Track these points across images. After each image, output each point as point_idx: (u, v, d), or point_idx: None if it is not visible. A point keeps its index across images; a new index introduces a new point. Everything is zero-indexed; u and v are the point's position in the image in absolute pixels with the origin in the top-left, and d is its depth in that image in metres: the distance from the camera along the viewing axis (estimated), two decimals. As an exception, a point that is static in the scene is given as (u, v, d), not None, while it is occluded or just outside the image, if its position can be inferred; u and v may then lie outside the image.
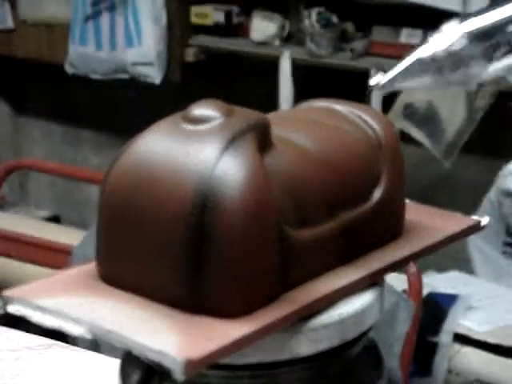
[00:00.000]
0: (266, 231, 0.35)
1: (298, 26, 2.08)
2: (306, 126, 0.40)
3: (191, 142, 0.35)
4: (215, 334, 0.33)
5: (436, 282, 1.73)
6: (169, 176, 0.35)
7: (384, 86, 0.34)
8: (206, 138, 0.35)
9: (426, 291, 1.58)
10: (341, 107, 0.41)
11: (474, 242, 1.93)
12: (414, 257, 0.41)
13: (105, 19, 2.22)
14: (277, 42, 2.09)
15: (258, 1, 2.13)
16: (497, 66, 0.32)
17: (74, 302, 0.34)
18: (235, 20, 2.14)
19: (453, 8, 1.89)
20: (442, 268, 1.85)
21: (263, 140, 0.36)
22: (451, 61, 0.32)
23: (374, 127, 0.40)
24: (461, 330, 1.61)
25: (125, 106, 2.40)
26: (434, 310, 1.65)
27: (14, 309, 0.35)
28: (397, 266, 0.39)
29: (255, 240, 0.34)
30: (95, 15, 2.22)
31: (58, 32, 2.32)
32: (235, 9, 2.14)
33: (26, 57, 2.43)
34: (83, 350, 0.64)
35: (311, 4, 2.04)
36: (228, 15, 2.13)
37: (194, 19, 2.16)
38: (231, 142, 0.35)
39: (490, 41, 0.32)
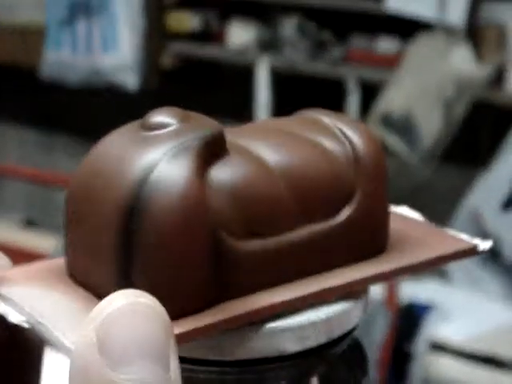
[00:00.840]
0: (195, 240, 0.35)
1: (275, 33, 2.08)
2: (277, 138, 0.40)
3: (141, 147, 0.36)
4: None
5: (413, 291, 1.74)
6: (112, 178, 0.36)
7: None
8: (155, 143, 0.36)
9: (402, 301, 1.59)
10: (327, 119, 0.41)
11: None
12: (389, 275, 0.40)
13: (81, 24, 2.20)
14: (254, 50, 2.09)
15: (236, 8, 2.13)
16: None
17: (27, 292, 0.35)
18: (213, 27, 2.13)
19: (429, 17, 1.90)
20: (418, 277, 1.85)
21: (214, 149, 0.36)
22: None
23: (353, 142, 0.40)
24: (438, 339, 1.61)
25: (100, 113, 2.39)
26: (410, 318, 1.66)
27: None
28: (366, 283, 0.39)
29: (180, 248, 0.34)
30: (71, 20, 2.21)
31: (32, 37, 2.30)
32: (213, 15, 2.14)
33: (0, 63, 2.41)
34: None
35: (289, 12, 2.04)
36: (205, 22, 2.12)
37: (171, 25, 2.16)
38: (176, 149, 0.36)
39: None
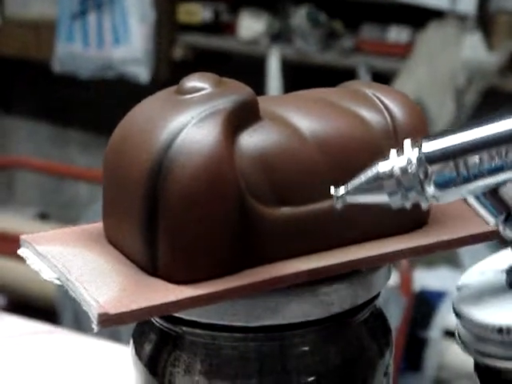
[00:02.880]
0: (220, 203, 0.35)
1: (286, 23, 2.08)
2: (315, 107, 0.40)
3: (171, 110, 0.37)
4: (152, 295, 0.34)
5: (426, 279, 1.74)
6: (141, 140, 0.36)
7: (343, 199, 0.33)
8: (186, 106, 0.37)
9: (416, 287, 1.59)
10: (367, 90, 0.40)
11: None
12: (421, 250, 0.39)
13: (92, 17, 2.21)
14: (265, 40, 2.09)
15: (246, -2, 2.13)
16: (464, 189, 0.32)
17: (62, 251, 0.37)
18: (223, 18, 2.14)
19: (440, 5, 1.90)
20: (431, 265, 1.85)
21: (246, 114, 0.37)
22: (407, 179, 0.32)
23: (393, 111, 0.39)
24: (451, 326, 1.62)
25: (112, 105, 2.39)
26: (424, 305, 1.66)
27: (21, 251, 0.38)
28: (397, 258, 0.39)
29: (204, 210, 0.35)
30: (82, 13, 2.21)
31: (44, 31, 2.31)
32: (223, 7, 2.14)
33: (12, 56, 2.42)
34: (85, 336, 0.64)
35: (299, 2, 2.04)
36: (216, 13, 2.13)
37: (181, 17, 2.16)
38: (206, 112, 0.36)
39: (447, 163, 0.32)
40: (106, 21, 2.19)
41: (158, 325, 0.38)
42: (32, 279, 1.76)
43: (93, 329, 0.33)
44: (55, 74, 2.32)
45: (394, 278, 1.49)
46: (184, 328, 0.37)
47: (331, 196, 0.37)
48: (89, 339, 0.63)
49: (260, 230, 0.36)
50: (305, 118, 0.38)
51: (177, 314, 0.36)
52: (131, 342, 0.40)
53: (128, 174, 0.36)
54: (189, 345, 0.37)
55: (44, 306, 1.75)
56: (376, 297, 0.39)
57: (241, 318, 0.36)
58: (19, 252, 0.39)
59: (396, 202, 0.34)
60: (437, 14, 1.92)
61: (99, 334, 0.71)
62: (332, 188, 0.35)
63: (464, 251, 1.94)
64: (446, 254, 1.96)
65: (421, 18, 1.94)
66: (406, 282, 1.45)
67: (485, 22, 1.90)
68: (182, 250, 0.35)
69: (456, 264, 1.89)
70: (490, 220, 0.34)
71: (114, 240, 0.38)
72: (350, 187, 0.34)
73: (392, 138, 0.39)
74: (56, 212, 2.52)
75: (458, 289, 0.36)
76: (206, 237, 0.35)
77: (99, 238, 0.39)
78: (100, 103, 2.44)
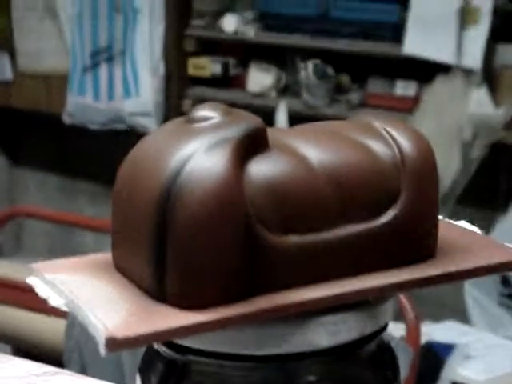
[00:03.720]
0: (228, 231, 0.35)
1: (294, 77, 2.10)
2: (324, 139, 0.40)
3: (180, 139, 0.37)
4: (160, 320, 0.34)
5: (433, 332, 1.73)
6: (152, 167, 0.37)
7: None
8: (195, 135, 0.37)
9: (423, 340, 1.58)
10: (376, 122, 0.41)
11: (470, 292, 1.93)
12: (429, 281, 0.39)
13: (103, 70, 2.24)
14: (273, 94, 2.11)
15: (255, 53, 2.15)
16: None
17: (70, 279, 0.37)
18: (232, 72, 2.16)
19: (447, 60, 1.92)
20: (438, 318, 1.84)
21: (254, 143, 0.37)
22: None
23: (401, 144, 0.40)
24: (459, 379, 1.60)
25: (121, 157, 2.40)
26: (432, 359, 1.65)
27: (29, 280, 0.38)
28: (405, 288, 0.39)
29: (211, 237, 0.35)
30: (94, 66, 2.24)
31: (55, 83, 2.34)
32: (232, 61, 2.17)
33: (23, 108, 2.45)
34: (89, 377, 0.64)
35: (307, 56, 2.07)
36: (225, 67, 2.15)
37: (191, 71, 2.19)
38: (215, 140, 0.36)
39: None
40: (117, 73, 2.22)
41: (164, 355, 0.38)
42: (43, 327, 1.76)
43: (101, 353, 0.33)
44: (65, 126, 2.34)
45: (401, 330, 1.48)
46: (191, 357, 0.37)
47: (339, 225, 0.37)
48: (93, 381, 0.63)
49: (268, 258, 0.36)
50: (313, 148, 0.38)
51: (184, 343, 0.37)
52: (137, 376, 0.40)
53: (137, 202, 0.37)
54: (196, 374, 0.38)
55: (51, 357, 1.74)
56: (383, 329, 0.39)
57: (248, 345, 0.36)
58: (28, 280, 0.39)
59: None
60: (443, 69, 1.94)
61: (104, 376, 0.71)
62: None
63: (472, 305, 1.93)
64: (453, 308, 1.95)
65: (427, 73, 1.96)
66: (412, 333, 1.45)
67: (490, 76, 1.92)
68: (190, 277, 0.35)
69: (463, 317, 1.88)
70: None
71: (122, 268, 0.38)
72: None
73: (400, 170, 0.39)
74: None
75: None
76: (214, 263, 0.35)
77: (108, 267, 0.39)
78: (109, 154, 2.45)
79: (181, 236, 0.35)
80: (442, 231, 0.42)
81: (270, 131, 0.39)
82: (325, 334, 0.36)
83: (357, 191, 0.38)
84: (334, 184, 0.38)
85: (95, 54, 2.24)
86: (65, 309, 0.37)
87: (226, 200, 0.35)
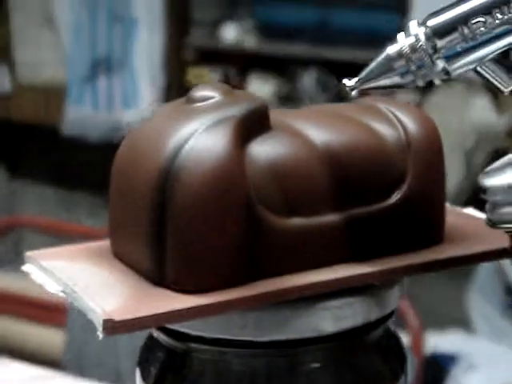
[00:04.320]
0: (229, 211, 0.34)
1: (294, 87, 2.09)
2: (328, 120, 0.39)
3: (181, 118, 0.36)
4: (159, 304, 0.33)
5: (437, 342, 1.72)
6: (150, 148, 0.35)
7: (356, 86, 0.34)
8: (195, 114, 0.36)
9: (427, 350, 1.56)
10: (382, 105, 0.40)
11: (473, 302, 1.92)
12: (435, 265, 0.38)
13: (102, 81, 2.23)
14: (273, 103, 2.11)
15: (254, 62, 2.15)
16: (466, 60, 0.33)
17: (68, 266, 0.36)
18: (232, 81, 2.16)
19: (448, 69, 1.91)
20: (442, 329, 1.83)
21: (256, 123, 0.36)
22: (417, 56, 0.33)
23: (406, 126, 0.39)
24: (463, 389, 1.59)
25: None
26: (436, 369, 1.63)
27: (25, 267, 0.38)
28: (410, 272, 0.38)
29: (212, 218, 0.34)
30: (93, 77, 2.23)
31: (54, 95, 2.33)
32: (232, 70, 2.16)
33: (22, 120, 2.44)
34: (85, 380, 0.63)
35: (308, 65, 2.06)
36: (225, 76, 2.15)
37: (191, 81, 2.18)
38: (215, 120, 0.35)
39: (453, 33, 0.33)
40: (116, 84, 2.21)
41: (164, 343, 0.37)
42: (40, 340, 1.75)
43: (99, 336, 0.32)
44: (64, 138, 2.34)
45: (405, 339, 1.46)
46: (192, 345, 0.36)
47: (343, 208, 0.36)
48: (92, 383, 0.62)
49: (270, 241, 0.35)
50: (317, 129, 0.37)
51: (184, 330, 0.35)
52: (137, 369, 0.39)
53: (135, 184, 0.35)
54: (197, 363, 0.36)
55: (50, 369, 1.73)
56: (390, 316, 0.38)
57: (250, 331, 0.35)
58: (24, 268, 0.38)
59: (408, 81, 0.34)
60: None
61: (102, 379, 0.70)
62: (344, 80, 0.35)
63: (476, 315, 1.92)
64: (457, 317, 1.93)
65: (430, 81, 1.95)
66: (416, 342, 1.43)
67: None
68: (190, 259, 0.34)
69: (468, 327, 1.87)
70: (503, 89, 0.34)
71: (120, 254, 0.37)
72: (362, 74, 0.34)
73: (406, 151, 0.38)
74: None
75: (484, 172, 0.35)
76: (214, 245, 0.34)
77: (106, 253, 0.38)
78: (108, 166, 2.44)
79: (180, 217, 0.34)
80: (450, 218, 0.41)
81: (272, 113, 0.38)
82: (330, 319, 0.35)
83: (362, 173, 0.37)
84: (338, 166, 0.37)
85: (94, 65, 2.24)
86: (62, 295, 0.36)
87: (226, 180, 0.34)
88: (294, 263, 0.36)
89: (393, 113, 0.39)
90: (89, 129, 2.26)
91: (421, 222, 0.38)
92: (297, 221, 0.36)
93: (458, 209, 0.44)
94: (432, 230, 0.39)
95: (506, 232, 0.35)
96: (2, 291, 1.69)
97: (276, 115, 0.37)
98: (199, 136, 0.34)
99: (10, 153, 2.70)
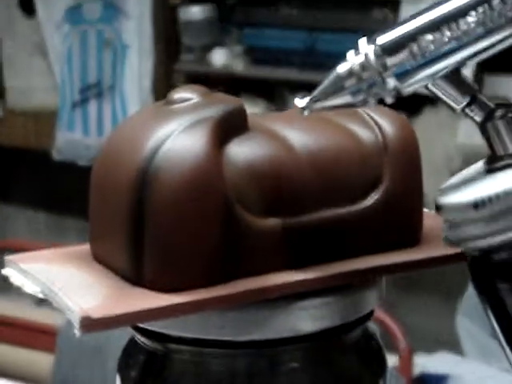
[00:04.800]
0: (206, 211, 0.34)
1: (282, 110, 2.10)
2: (305, 122, 0.40)
3: (159, 119, 0.37)
4: (137, 302, 0.33)
5: (426, 363, 1.71)
6: (128, 150, 0.36)
7: (307, 106, 0.34)
8: (172, 115, 0.37)
9: (416, 372, 1.56)
10: (359, 108, 0.41)
11: (462, 324, 1.92)
12: (412, 265, 0.39)
13: (92, 106, 2.24)
14: (262, 127, 2.12)
15: (244, 86, 2.16)
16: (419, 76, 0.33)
17: (46, 268, 0.36)
18: (221, 105, 2.16)
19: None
20: (431, 350, 1.83)
21: (234, 124, 0.37)
22: (367, 75, 0.33)
23: (383, 128, 0.40)
24: (452, 410, 1.58)
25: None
26: (425, 390, 1.63)
27: (4, 271, 0.38)
28: (387, 271, 0.38)
29: (190, 218, 0.34)
30: (83, 102, 2.24)
31: (45, 120, 2.34)
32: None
33: (13, 145, 2.45)
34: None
35: (295, 88, 2.08)
36: (214, 101, 2.15)
37: (180, 105, 2.19)
38: (193, 120, 0.36)
39: (402, 51, 0.33)
40: (107, 109, 2.22)
41: (144, 346, 0.38)
42: (31, 366, 1.74)
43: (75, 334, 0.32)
44: (54, 163, 2.34)
45: (394, 361, 1.46)
46: (171, 345, 0.36)
47: (321, 209, 0.37)
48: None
49: (248, 241, 0.35)
50: (295, 131, 0.38)
51: (163, 331, 0.36)
52: (117, 376, 0.39)
53: (113, 184, 0.36)
54: (177, 364, 0.37)
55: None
56: (368, 317, 0.39)
57: (228, 331, 0.35)
58: (3, 272, 0.39)
59: (360, 100, 0.34)
60: (431, 101, 1.95)
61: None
62: (296, 99, 0.35)
63: (464, 336, 1.92)
64: (446, 340, 1.93)
65: (416, 105, 1.97)
66: (405, 362, 1.43)
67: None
68: (168, 259, 0.35)
69: (457, 349, 1.87)
70: (455, 106, 0.34)
71: (100, 256, 0.38)
72: (314, 94, 0.34)
73: (382, 153, 0.39)
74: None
75: (440, 189, 0.35)
76: (192, 245, 0.34)
77: (85, 257, 0.39)
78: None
79: (158, 216, 0.34)
80: (428, 221, 0.42)
81: (250, 116, 0.38)
82: (308, 319, 0.36)
83: (339, 174, 0.38)
84: (315, 166, 0.37)
85: (84, 90, 2.25)
86: (40, 296, 0.36)
87: (204, 180, 0.34)
88: (273, 262, 0.37)
89: (369, 115, 0.40)
90: (79, 153, 2.27)
91: (398, 222, 0.39)
92: (275, 221, 0.36)
93: (436, 213, 0.44)
94: (409, 231, 0.39)
95: (464, 251, 0.34)
96: (-8, 315, 1.69)
97: (254, 117, 0.38)
98: (177, 136, 0.35)
99: (1, 177, 2.70)
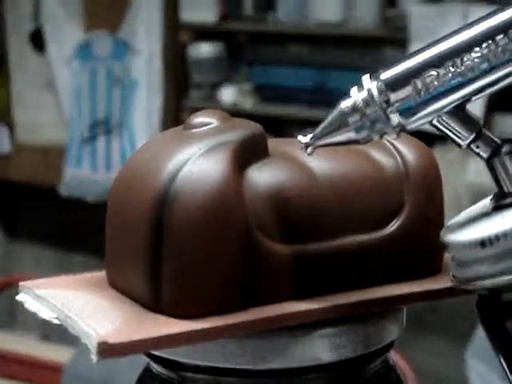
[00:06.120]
0: (226, 237, 0.34)
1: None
2: (326, 149, 0.39)
3: (179, 143, 0.36)
4: (154, 328, 0.33)
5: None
6: (147, 174, 0.35)
7: (311, 143, 0.33)
8: (193, 139, 0.36)
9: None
10: None
11: (471, 365, 1.90)
12: (433, 295, 0.38)
13: (101, 142, 2.25)
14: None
15: (253, 124, 2.17)
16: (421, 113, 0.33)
17: (61, 293, 0.36)
18: (230, 142, 2.17)
19: (444, 131, 1.93)
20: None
21: (253, 149, 0.36)
22: (370, 111, 0.33)
23: (405, 156, 0.39)
24: None
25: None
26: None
27: (19, 297, 0.37)
28: (409, 301, 0.37)
29: (209, 243, 0.34)
30: (92, 138, 2.25)
31: (53, 155, 2.35)
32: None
33: (21, 181, 2.45)
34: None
35: (304, 126, 2.08)
36: (223, 138, 2.16)
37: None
38: (212, 145, 0.35)
39: (406, 87, 0.32)
40: (115, 145, 2.23)
41: (159, 374, 0.37)
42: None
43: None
44: (62, 198, 2.34)
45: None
46: (187, 374, 0.36)
47: (341, 236, 0.36)
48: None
49: (268, 267, 0.35)
50: (316, 157, 0.37)
51: (179, 359, 0.35)
52: None
53: (131, 209, 0.35)
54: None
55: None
56: (389, 347, 0.38)
57: (247, 359, 0.34)
58: (18, 297, 0.38)
59: (363, 136, 0.33)
60: (441, 139, 1.95)
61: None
62: (300, 136, 0.34)
63: (474, 379, 1.90)
64: (456, 381, 1.91)
65: (425, 142, 1.97)
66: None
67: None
68: (187, 285, 0.34)
69: None
70: (460, 142, 0.34)
71: (116, 282, 0.37)
72: (317, 130, 0.34)
73: (404, 181, 0.38)
74: (56, 333, 2.49)
75: (447, 226, 0.34)
76: (211, 271, 0.34)
77: (101, 283, 0.38)
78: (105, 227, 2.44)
79: (176, 242, 0.34)
80: None
81: (270, 141, 0.38)
82: (328, 348, 0.35)
83: (360, 201, 0.37)
84: (336, 193, 0.37)
85: (93, 127, 2.25)
86: (55, 321, 0.36)
87: (224, 205, 0.34)
88: (292, 290, 0.36)
89: (390, 142, 0.39)
90: (87, 189, 2.27)
91: (418, 251, 0.38)
92: (295, 247, 0.36)
93: None
94: (430, 259, 0.39)
95: (472, 290, 0.33)
96: (-3, 351, 1.68)
97: (274, 143, 0.37)
98: (196, 161, 0.34)
99: (8, 213, 2.70)
